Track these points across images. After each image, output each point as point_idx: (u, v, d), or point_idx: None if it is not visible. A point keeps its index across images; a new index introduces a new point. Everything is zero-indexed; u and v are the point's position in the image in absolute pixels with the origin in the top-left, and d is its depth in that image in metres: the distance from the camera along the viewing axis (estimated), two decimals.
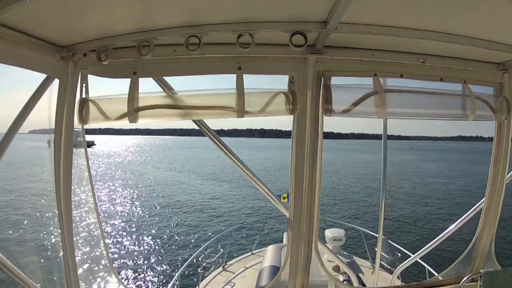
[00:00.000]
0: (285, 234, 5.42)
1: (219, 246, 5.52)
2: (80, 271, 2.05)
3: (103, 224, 13.59)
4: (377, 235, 3.33)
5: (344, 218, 14.60)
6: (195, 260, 4.89)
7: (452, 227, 2.77)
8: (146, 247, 11.43)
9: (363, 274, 3.51)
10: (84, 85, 1.83)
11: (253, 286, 3.84)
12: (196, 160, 49.97)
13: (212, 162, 43.91)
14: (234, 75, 1.85)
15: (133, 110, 1.76)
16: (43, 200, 16.76)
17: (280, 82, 2.07)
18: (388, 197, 18.02)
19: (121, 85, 2.06)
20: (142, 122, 1.82)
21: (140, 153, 68.84)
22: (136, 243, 11.82)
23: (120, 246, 11.46)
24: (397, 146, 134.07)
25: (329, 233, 4.05)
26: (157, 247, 11.36)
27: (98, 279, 8.50)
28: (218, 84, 2.43)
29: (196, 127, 2.08)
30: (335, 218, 11.00)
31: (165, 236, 12.57)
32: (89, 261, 9.32)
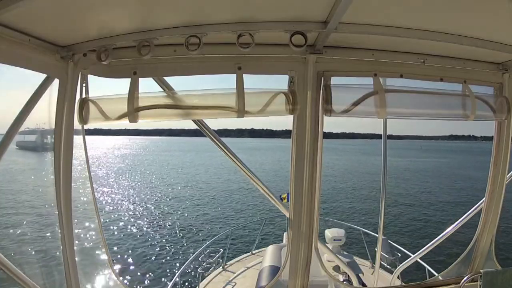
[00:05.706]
0: (285, 234, 5.42)
1: (219, 246, 5.52)
2: (79, 271, 2.05)
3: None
4: (377, 235, 3.33)
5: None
6: (195, 260, 4.89)
7: (452, 227, 2.77)
8: (146, 247, 11.42)
9: (363, 274, 3.51)
10: (84, 85, 1.84)
11: (253, 286, 3.84)
12: (194, 161, 49.63)
13: (210, 163, 43.78)
14: (234, 75, 1.85)
15: (133, 110, 1.76)
16: None
17: (281, 82, 2.06)
18: None
19: (122, 85, 2.05)
20: (142, 122, 1.82)
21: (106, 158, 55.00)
22: (137, 243, 11.81)
23: (120, 246, 11.44)
24: (402, 146, 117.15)
25: (329, 233, 4.06)
26: (157, 247, 11.35)
27: (98, 279, 8.50)
28: (217, 84, 2.43)
29: (185, 127, 2.09)
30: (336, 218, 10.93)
31: (165, 236, 12.56)
32: (89, 261, 9.30)
